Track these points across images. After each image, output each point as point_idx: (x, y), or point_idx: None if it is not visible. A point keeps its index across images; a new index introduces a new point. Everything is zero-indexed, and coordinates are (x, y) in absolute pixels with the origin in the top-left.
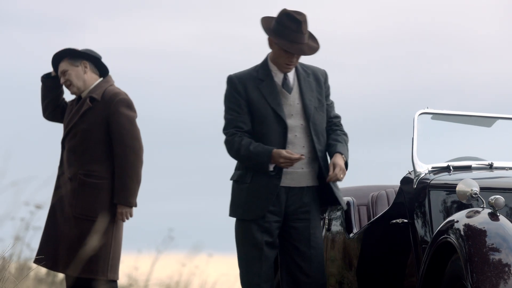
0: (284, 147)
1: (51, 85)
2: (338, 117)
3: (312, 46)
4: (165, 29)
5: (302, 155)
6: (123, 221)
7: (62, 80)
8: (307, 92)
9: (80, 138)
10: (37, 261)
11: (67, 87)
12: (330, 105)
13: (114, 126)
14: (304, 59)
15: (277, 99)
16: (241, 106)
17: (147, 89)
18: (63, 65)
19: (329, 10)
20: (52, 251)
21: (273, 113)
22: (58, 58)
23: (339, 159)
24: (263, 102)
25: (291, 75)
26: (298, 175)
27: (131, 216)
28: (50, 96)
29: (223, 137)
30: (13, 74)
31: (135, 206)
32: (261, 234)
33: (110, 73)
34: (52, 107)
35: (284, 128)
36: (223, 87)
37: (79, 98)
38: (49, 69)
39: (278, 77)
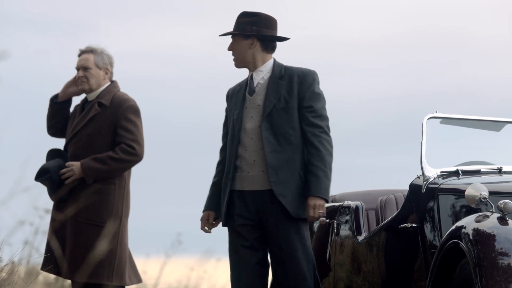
0: (236, 151)
1: (58, 109)
2: (317, 126)
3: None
4: (179, 33)
5: (208, 231)
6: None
7: (80, 73)
8: (272, 93)
9: (84, 143)
10: (43, 267)
11: (81, 82)
12: (308, 110)
13: (120, 131)
14: (303, 62)
15: (240, 104)
16: (227, 121)
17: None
18: (87, 61)
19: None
20: (57, 257)
21: (237, 119)
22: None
23: (311, 200)
24: (233, 109)
25: (263, 78)
26: (249, 179)
27: (75, 173)
28: (57, 118)
29: None
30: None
31: (81, 175)
32: (237, 238)
33: (124, 77)
34: (59, 126)
35: (238, 131)
36: None
37: (84, 103)
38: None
39: (250, 82)
